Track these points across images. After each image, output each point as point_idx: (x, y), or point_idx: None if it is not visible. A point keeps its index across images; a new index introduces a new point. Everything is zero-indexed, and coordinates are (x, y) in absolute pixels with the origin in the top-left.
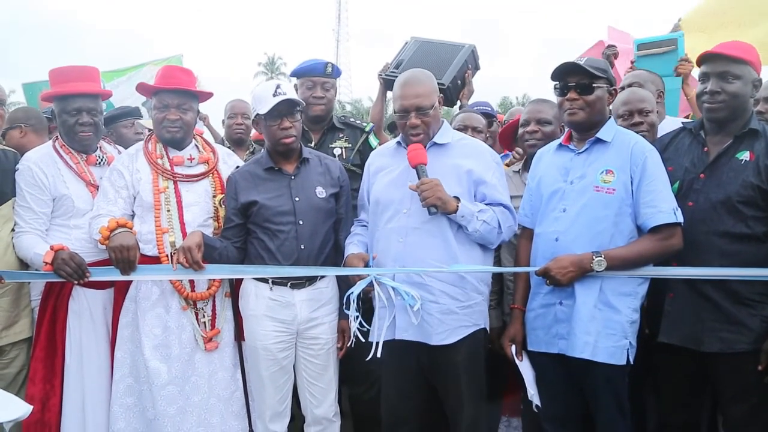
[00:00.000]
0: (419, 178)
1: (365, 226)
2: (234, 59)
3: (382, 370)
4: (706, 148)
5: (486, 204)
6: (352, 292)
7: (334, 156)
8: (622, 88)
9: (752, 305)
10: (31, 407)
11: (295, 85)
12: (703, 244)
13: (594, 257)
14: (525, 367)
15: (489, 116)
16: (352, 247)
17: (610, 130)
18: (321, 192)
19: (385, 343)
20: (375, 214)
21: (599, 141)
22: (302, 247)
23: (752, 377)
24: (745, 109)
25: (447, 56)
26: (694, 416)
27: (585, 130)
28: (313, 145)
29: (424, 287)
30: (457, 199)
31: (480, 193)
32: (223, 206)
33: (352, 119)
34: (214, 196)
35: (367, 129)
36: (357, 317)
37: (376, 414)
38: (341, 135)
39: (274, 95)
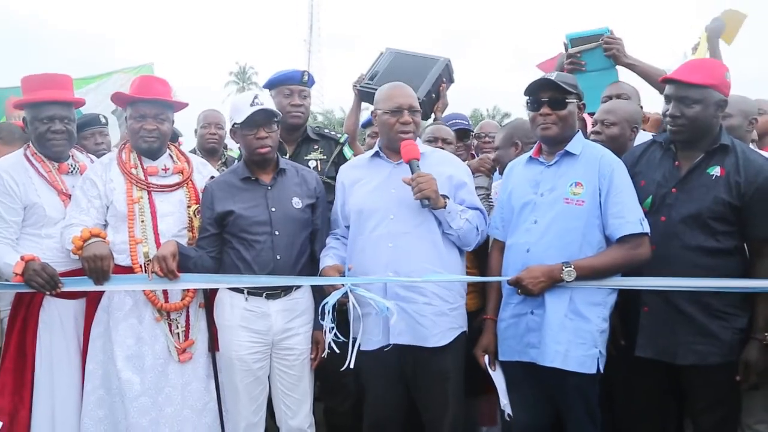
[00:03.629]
0: (413, 172)
1: (339, 239)
2: (205, 68)
3: (364, 378)
4: (677, 162)
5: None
6: (327, 302)
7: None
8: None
9: (724, 317)
10: (1, 423)
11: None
12: (676, 258)
13: (564, 267)
14: (498, 377)
15: (466, 131)
16: (328, 259)
17: (578, 143)
18: (297, 203)
19: (367, 351)
20: (358, 224)
21: (568, 154)
22: (278, 257)
23: (724, 389)
24: (709, 127)
25: (422, 69)
26: (661, 425)
27: (556, 144)
28: (287, 157)
29: (418, 289)
30: (445, 197)
31: (459, 198)
32: (197, 216)
33: (326, 130)
34: (189, 206)
35: (341, 140)
36: (332, 328)
37: (351, 425)
38: (316, 147)
39: (252, 105)
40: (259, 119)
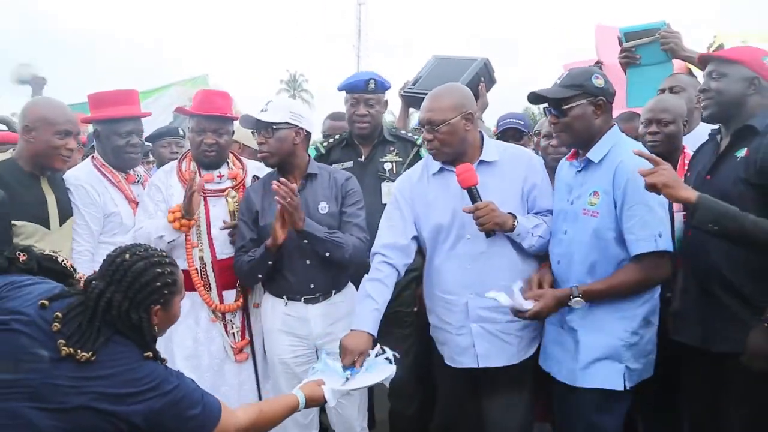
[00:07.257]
0: (473, 201)
1: (392, 267)
2: (257, 77)
3: (438, 381)
4: (717, 150)
5: (535, 213)
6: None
7: (384, 170)
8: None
9: (760, 306)
10: (395, 367)
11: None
12: (709, 245)
13: (571, 297)
14: None
15: (519, 131)
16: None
17: (601, 148)
18: (324, 207)
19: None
20: (434, 243)
21: (590, 160)
22: (308, 262)
23: (758, 379)
24: (737, 104)
25: (458, 71)
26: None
27: (580, 148)
28: (363, 159)
29: (499, 309)
30: (513, 216)
31: (530, 202)
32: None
33: (402, 132)
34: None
35: (418, 142)
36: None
37: (416, 429)
38: (392, 149)
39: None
40: (258, 125)
